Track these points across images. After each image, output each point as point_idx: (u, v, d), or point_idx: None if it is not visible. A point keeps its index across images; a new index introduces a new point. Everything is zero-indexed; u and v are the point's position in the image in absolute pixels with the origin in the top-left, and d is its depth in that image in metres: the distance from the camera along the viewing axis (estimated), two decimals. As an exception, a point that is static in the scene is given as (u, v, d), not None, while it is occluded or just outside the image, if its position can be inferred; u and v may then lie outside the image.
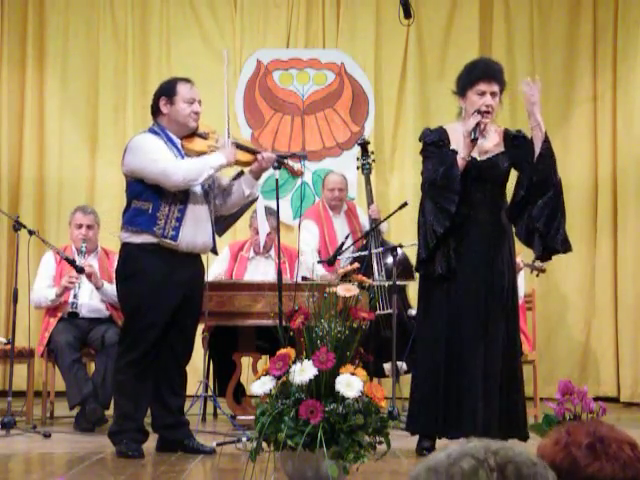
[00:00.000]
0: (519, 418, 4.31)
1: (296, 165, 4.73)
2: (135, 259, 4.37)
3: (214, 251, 4.65)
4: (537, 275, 5.91)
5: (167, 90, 4.51)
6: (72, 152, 7.51)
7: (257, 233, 6.00)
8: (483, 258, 4.34)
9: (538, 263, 5.84)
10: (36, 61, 7.53)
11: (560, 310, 7.49)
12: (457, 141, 4.41)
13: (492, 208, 4.38)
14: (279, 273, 4.80)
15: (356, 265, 5.28)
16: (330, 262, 5.56)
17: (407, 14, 6.74)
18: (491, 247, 4.36)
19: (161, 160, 4.32)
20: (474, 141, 4.24)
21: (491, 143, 4.46)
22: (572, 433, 1.55)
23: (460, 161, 4.29)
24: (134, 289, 4.37)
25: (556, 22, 7.66)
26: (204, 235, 4.45)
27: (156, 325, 4.33)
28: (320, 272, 5.88)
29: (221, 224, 5.27)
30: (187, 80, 4.57)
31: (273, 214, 5.87)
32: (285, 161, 4.70)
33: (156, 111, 4.52)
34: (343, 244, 5.62)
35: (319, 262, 5.89)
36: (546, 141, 4.34)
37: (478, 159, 4.39)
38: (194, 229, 4.39)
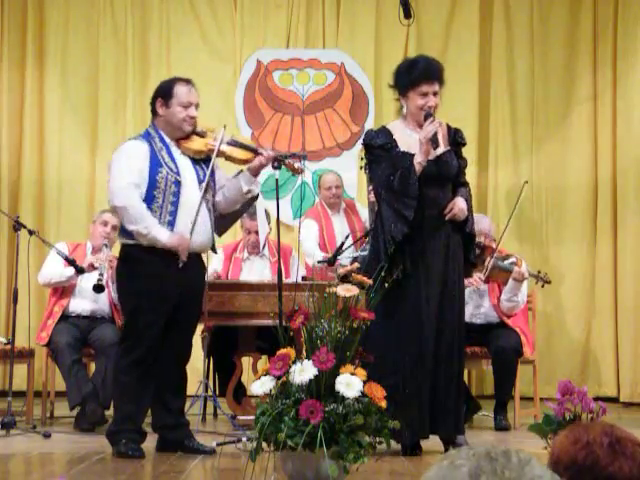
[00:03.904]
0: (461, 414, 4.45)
1: (296, 163, 4.71)
2: (133, 259, 4.36)
3: (213, 249, 4.62)
4: (542, 286, 5.91)
5: (164, 91, 4.45)
6: (72, 151, 7.51)
7: (249, 233, 6.01)
8: (438, 257, 4.38)
9: (544, 274, 5.84)
10: (36, 60, 7.53)
11: (560, 310, 7.49)
12: (403, 141, 4.44)
13: (445, 205, 4.41)
14: (279, 273, 4.80)
15: (356, 265, 5.27)
16: (330, 262, 5.56)
17: (407, 14, 6.74)
18: (445, 245, 4.40)
19: (120, 180, 4.30)
20: (436, 148, 4.29)
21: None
22: (590, 432, 1.56)
23: (417, 166, 4.33)
24: (133, 289, 4.36)
25: (556, 21, 7.66)
26: (200, 235, 4.41)
27: (156, 324, 4.31)
28: (319, 257, 5.87)
29: (220, 224, 5.26)
30: (187, 81, 4.50)
31: (267, 216, 5.91)
32: (285, 159, 4.69)
33: (154, 111, 4.49)
34: (343, 244, 5.61)
35: (319, 262, 5.88)
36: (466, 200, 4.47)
37: (430, 158, 4.41)
38: (188, 230, 4.35)
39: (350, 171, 7.31)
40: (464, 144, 4.57)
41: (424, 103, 4.38)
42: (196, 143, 4.48)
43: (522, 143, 7.63)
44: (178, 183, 4.35)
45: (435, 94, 4.40)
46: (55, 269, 5.63)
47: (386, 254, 4.34)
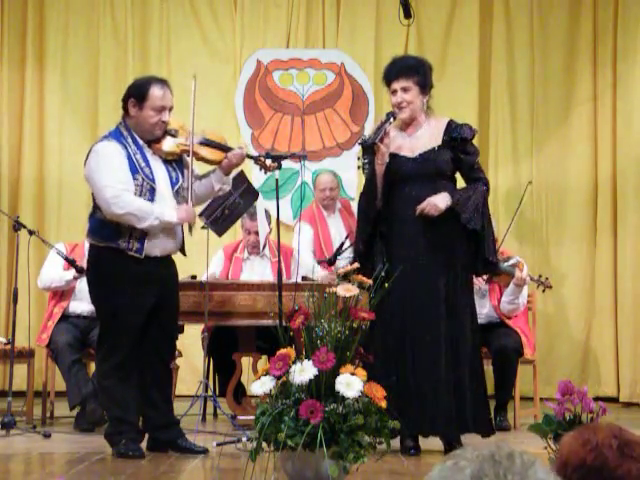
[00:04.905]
0: (470, 413, 4.33)
1: (268, 161, 4.67)
2: (105, 262, 4.33)
3: (182, 252, 4.56)
4: (543, 291, 5.90)
5: (138, 92, 4.34)
6: (72, 151, 7.50)
7: (249, 233, 6.00)
8: (423, 255, 4.35)
9: (545, 279, 5.84)
10: (36, 60, 7.53)
11: (560, 310, 7.49)
12: (394, 143, 4.46)
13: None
14: (279, 273, 4.80)
15: (356, 265, 5.27)
16: (330, 262, 5.56)
17: (407, 14, 6.74)
18: (430, 244, 4.36)
19: (111, 188, 4.20)
20: (373, 144, 4.31)
21: (425, 138, 4.45)
22: (598, 433, 1.57)
23: (376, 166, 4.38)
24: (109, 292, 4.32)
25: (556, 22, 7.66)
26: (171, 241, 4.40)
27: (134, 327, 4.30)
28: (320, 273, 5.85)
29: (220, 225, 5.26)
30: (162, 83, 4.39)
31: (268, 216, 5.90)
32: (256, 156, 4.68)
33: (125, 109, 4.39)
34: (343, 244, 5.61)
35: (319, 262, 5.88)
36: (457, 205, 4.36)
37: (410, 157, 4.40)
38: (160, 237, 4.34)
39: (350, 171, 7.31)
40: (462, 138, 4.44)
41: (394, 101, 4.46)
42: (168, 145, 4.39)
43: (522, 144, 7.63)
44: (153, 190, 4.31)
45: (405, 90, 4.43)
46: (54, 273, 5.63)
47: (356, 252, 4.44)
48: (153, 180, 4.32)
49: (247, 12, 7.67)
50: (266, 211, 5.88)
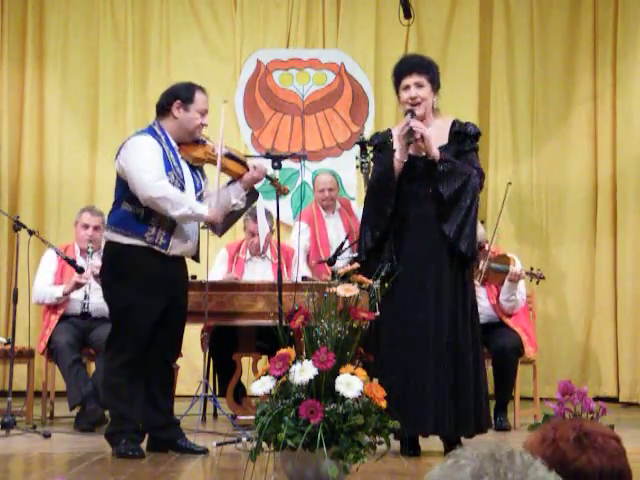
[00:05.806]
0: (470, 414, 4.31)
1: (283, 185, 4.80)
2: (123, 259, 4.33)
3: (196, 258, 4.59)
4: (537, 282, 5.91)
5: (185, 94, 4.42)
6: (72, 151, 7.51)
7: (252, 235, 6.00)
8: (427, 255, 4.34)
9: (537, 271, 5.85)
10: (36, 60, 7.54)
11: (560, 310, 7.49)
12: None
13: (437, 203, 4.35)
14: (279, 273, 4.81)
15: (356, 265, 5.26)
16: (330, 262, 5.55)
17: (407, 14, 6.74)
18: (435, 242, 4.35)
19: (149, 173, 4.24)
20: (409, 144, 4.27)
21: (432, 137, 4.43)
22: (558, 429, 1.56)
23: (396, 163, 4.33)
24: (125, 289, 4.32)
25: (556, 21, 7.67)
26: (192, 241, 4.46)
27: (148, 325, 4.30)
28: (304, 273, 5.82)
29: (220, 224, 5.26)
30: (204, 90, 4.51)
31: (270, 217, 5.89)
32: (273, 178, 4.73)
33: (165, 111, 4.44)
34: (342, 244, 5.61)
35: (319, 262, 5.87)
36: (442, 161, 4.30)
37: (418, 155, 4.39)
38: (184, 235, 4.38)
39: (350, 171, 7.31)
40: (465, 133, 4.43)
41: (407, 96, 4.40)
42: (197, 150, 4.47)
43: (522, 143, 7.63)
44: (182, 189, 4.35)
45: (418, 85, 4.39)
46: (45, 291, 5.64)
47: (365, 250, 4.41)
48: (183, 180, 4.38)
49: (247, 12, 7.68)
50: (268, 211, 5.87)
